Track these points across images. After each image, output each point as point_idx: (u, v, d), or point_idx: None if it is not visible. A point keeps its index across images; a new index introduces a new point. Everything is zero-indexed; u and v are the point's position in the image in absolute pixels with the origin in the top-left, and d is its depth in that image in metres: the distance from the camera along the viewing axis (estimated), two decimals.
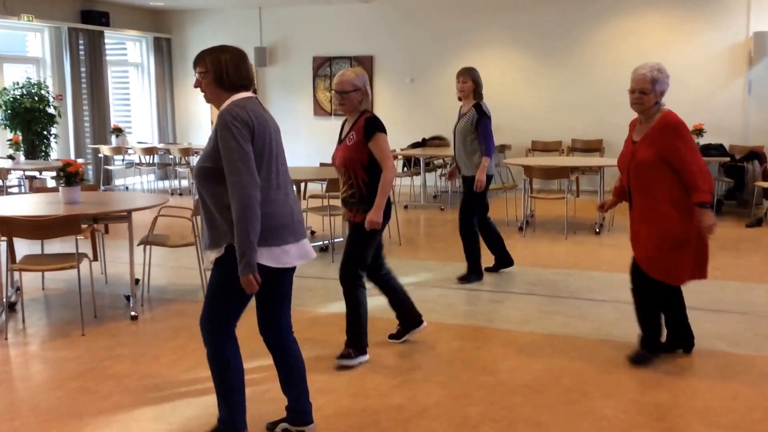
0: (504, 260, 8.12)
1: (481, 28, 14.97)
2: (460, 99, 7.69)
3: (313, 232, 10.32)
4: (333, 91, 5.27)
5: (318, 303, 6.99)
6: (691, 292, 7.26)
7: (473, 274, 7.73)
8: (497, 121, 15.24)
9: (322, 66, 16.29)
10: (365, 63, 15.90)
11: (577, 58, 14.25)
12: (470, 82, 7.53)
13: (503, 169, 12.95)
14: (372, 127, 5.15)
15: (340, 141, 5.33)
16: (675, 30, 13.63)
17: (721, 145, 11.79)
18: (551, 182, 12.76)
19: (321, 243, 9.53)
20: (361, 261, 5.32)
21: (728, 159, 11.70)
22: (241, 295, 3.78)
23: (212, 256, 3.80)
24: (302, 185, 9.21)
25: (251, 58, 16.44)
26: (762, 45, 12.83)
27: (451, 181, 8.72)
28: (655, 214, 5.00)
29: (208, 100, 3.87)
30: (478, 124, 7.40)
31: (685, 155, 4.87)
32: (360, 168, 5.18)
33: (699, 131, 11.91)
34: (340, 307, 6.83)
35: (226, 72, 3.76)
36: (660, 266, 5.08)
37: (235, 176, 3.59)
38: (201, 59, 3.81)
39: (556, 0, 14.33)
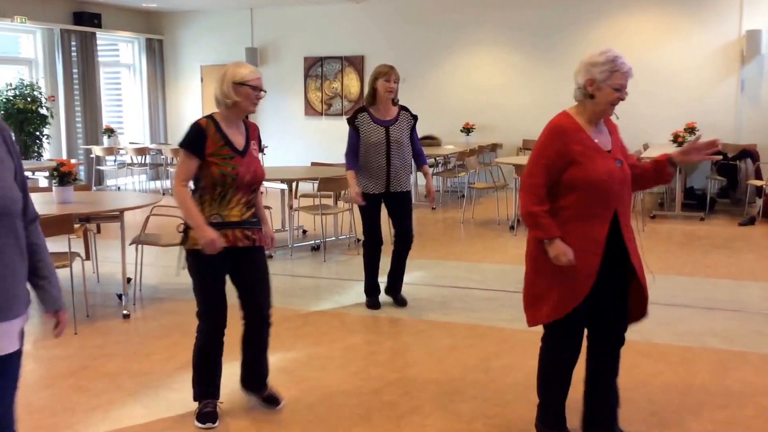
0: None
1: (472, 26, 14.98)
2: (394, 102, 6.57)
3: (304, 232, 10.32)
4: (260, 90, 4.28)
5: (309, 301, 6.98)
6: (686, 290, 7.30)
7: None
8: (489, 120, 15.36)
9: (314, 66, 16.29)
10: (356, 63, 15.91)
11: (569, 57, 14.24)
12: (398, 82, 6.53)
13: (494, 168, 12.97)
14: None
15: (242, 152, 4.28)
16: (667, 29, 13.66)
17: None
18: None
19: (312, 242, 9.53)
20: None
21: (721, 157, 11.72)
22: None
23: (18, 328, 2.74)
24: (293, 184, 9.20)
25: (243, 59, 16.47)
26: (754, 43, 12.86)
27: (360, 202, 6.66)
28: (634, 244, 3.92)
29: None
30: (413, 130, 6.67)
31: None
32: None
33: (691, 129, 11.93)
34: (331, 304, 6.85)
35: None
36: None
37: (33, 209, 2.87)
38: None
39: None
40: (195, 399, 4.44)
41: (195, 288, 4.33)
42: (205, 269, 4.27)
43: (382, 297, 6.89)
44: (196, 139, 4.19)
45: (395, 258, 6.83)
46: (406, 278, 7.61)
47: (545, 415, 4.06)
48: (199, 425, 4.32)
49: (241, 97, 4.20)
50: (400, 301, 6.89)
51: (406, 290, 7.16)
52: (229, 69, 4.24)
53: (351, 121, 6.51)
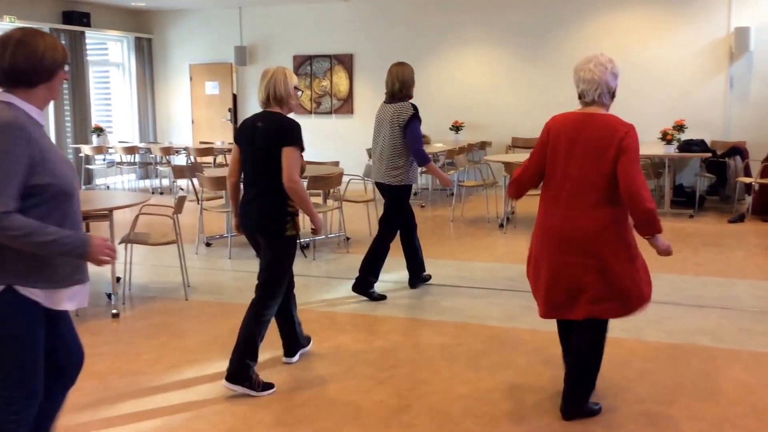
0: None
1: (460, 25, 14.98)
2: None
3: None
4: (300, 91, 4.99)
5: (299, 300, 6.93)
6: (675, 288, 7.31)
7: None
8: (478, 118, 15.36)
9: (303, 65, 16.26)
10: (345, 61, 15.89)
11: (558, 55, 14.27)
12: None
13: (484, 166, 12.97)
14: None
15: None
16: (656, 26, 13.68)
17: (702, 141, 11.85)
18: None
19: (302, 241, 9.46)
20: None
21: (710, 155, 11.76)
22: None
23: None
24: None
25: (232, 58, 16.46)
26: (743, 40, 12.88)
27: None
28: None
29: None
30: None
31: None
32: None
33: (680, 127, 11.95)
34: (320, 303, 6.83)
35: None
36: None
37: None
38: None
39: None
40: (249, 373, 4.74)
41: (279, 269, 4.87)
42: (293, 254, 4.97)
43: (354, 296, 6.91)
44: (301, 136, 4.78)
45: (416, 242, 7.23)
46: (396, 277, 7.63)
47: (588, 395, 4.41)
48: (264, 393, 4.76)
49: (296, 98, 4.89)
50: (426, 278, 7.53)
51: (396, 289, 7.17)
52: (286, 72, 4.80)
53: (417, 116, 6.77)
